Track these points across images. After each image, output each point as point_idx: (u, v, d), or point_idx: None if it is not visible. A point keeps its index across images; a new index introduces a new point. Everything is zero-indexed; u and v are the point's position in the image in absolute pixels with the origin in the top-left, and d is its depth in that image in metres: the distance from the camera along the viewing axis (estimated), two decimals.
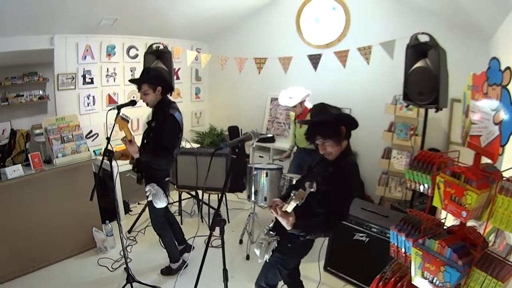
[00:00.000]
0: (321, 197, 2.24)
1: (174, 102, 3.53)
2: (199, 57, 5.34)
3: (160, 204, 3.42)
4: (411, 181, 1.92)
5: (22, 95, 5.97)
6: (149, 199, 3.39)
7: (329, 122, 2.35)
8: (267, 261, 2.49)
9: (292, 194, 2.01)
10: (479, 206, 1.59)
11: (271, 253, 2.43)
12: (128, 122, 3.21)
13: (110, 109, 3.22)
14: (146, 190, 3.38)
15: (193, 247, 3.88)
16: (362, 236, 3.36)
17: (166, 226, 3.73)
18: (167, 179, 3.56)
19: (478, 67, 1.71)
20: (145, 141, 3.48)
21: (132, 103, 3.37)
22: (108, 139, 3.21)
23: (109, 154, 3.21)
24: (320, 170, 2.45)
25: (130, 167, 4.62)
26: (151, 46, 4.39)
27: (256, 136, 2.25)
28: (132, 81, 3.48)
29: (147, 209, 4.79)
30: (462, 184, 1.58)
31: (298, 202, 1.98)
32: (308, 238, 2.31)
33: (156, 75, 3.51)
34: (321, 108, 2.51)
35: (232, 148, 2.16)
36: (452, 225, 1.94)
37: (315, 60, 4.69)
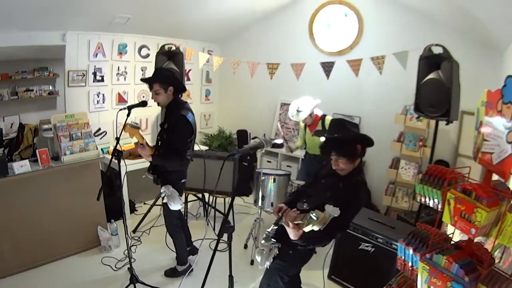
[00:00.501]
0: (332, 203, 2.27)
1: (186, 102, 3.52)
2: (211, 60, 5.36)
3: (175, 206, 3.43)
4: (421, 195, 1.94)
5: (32, 90, 6.02)
6: (164, 201, 3.40)
7: (347, 141, 2.40)
8: (268, 268, 2.52)
9: (313, 216, 2.08)
10: (488, 223, 1.61)
11: (272, 260, 2.46)
12: (138, 129, 3.23)
13: (121, 109, 3.25)
14: (161, 191, 3.39)
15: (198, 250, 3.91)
16: (367, 246, 3.38)
17: (180, 227, 3.75)
18: (182, 181, 3.56)
19: (491, 81, 1.75)
20: (159, 143, 3.48)
21: (143, 104, 3.38)
22: (118, 139, 3.20)
23: (118, 154, 3.24)
24: (330, 184, 2.48)
25: (137, 166, 4.71)
26: (163, 46, 4.42)
27: (268, 143, 2.27)
28: (144, 80, 3.48)
29: (152, 209, 4.91)
30: (473, 201, 1.60)
31: (320, 226, 2.06)
32: (308, 248, 2.38)
33: (168, 75, 3.51)
34: (340, 125, 2.55)
35: (243, 155, 2.18)
36: (460, 240, 1.96)
37: (327, 67, 4.70)
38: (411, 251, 1.98)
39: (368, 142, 2.45)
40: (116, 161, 3.30)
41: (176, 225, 3.71)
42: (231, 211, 4.72)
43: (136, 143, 3.26)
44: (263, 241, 2.57)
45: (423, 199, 1.94)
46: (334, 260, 3.69)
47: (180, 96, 3.54)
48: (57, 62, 5.77)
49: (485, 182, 1.73)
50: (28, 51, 5.04)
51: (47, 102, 6.24)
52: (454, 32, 4.37)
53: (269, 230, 2.62)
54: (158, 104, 3.41)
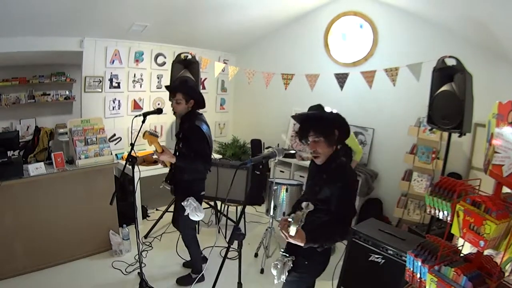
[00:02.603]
0: (324, 206, 2.30)
1: (202, 114, 3.56)
2: (226, 69, 5.42)
3: (200, 217, 3.46)
4: (430, 207, 1.96)
5: (49, 94, 6.12)
6: (186, 212, 3.40)
7: (325, 118, 2.39)
8: (285, 281, 2.51)
9: (290, 219, 2.07)
10: (497, 236, 1.62)
11: (287, 273, 2.46)
12: (157, 137, 3.26)
13: (136, 116, 3.28)
14: (186, 204, 3.40)
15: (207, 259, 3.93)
16: (377, 258, 3.36)
17: (196, 238, 3.80)
18: (202, 193, 3.61)
19: (504, 92, 1.75)
20: (177, 154, 3.52)
21: (159, 111, 3.43)
22: (132, 145, 3.28)
23: (132, 159, 3.28)
24: (316, 180, 2.47)
25: (150, 173, 4.79)
26: (179, 55, 4.49)
27: (280, 153, 2.29)
28: (168, 87, 3.54)
29: (164, 215, 4.94)
30: (482, 214, 1.61)
31: (297, 225, 2.03)
32: (326, 247, 2.32)
33: (193, 87, 3.59)
34: (318, 107, 2.54)
35: (256, 164, 2.22)
36: (469, 253, 1.96)
37: (342, 79, 4.72)
38: (419, 263, 1.98)
39: (345, 126, 2.40)
40: (130, 167, 3.32)
41: (193, 236, 3.76)
42: (242, 219, 4.83)
43: (155, 151, 3.31)
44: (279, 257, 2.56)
45: (432, 211, 1.95)
46: (343, 271, 3.67)
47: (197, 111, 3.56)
48: (74, 68, 5.87)
49: (495, 195, 1.74)
50: (46, 56, 5.15)
51: (63, 107, 6.34)
52: (468, 43, 4.37)
53: (285, 246, 2.61)
54: (174, 113, 3.46)
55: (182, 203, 3.42)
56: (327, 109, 4.27)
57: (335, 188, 2.28)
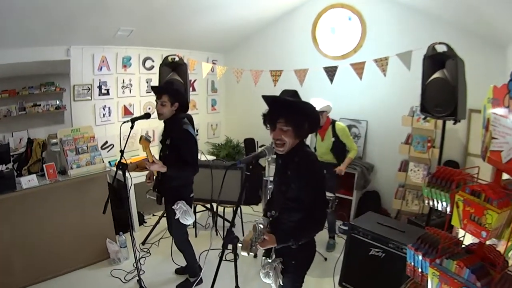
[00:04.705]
0: (294, 204, 2.21)
1: (185, 117, 3.48)
2: (215, 69, 5.34)
3: (190, 220, 3.41)
4: (429, 198, 1.87)
5: (39, 105, 6.01)
6: (177, 216, 3.35)
7: (300, 108, 2.18)
8: (281, 284, 2.40)
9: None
10: (499, 225, 1.54)
11: (281, 276, 2.35)
12: (150, 142, 3.22)
13: (124, 122, 3.24)
14: (176, 208, 3.34)
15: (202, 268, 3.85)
16: (378, 252, 3.29)
17: (188, 241, 3.72)
18: (191, 195, 3.54)
19: (496, 77, 1.68)
20: (162, 161, 3.40)
21: (146, 116, 3.38)
22: (122, 151, 3.23)
23: (122, 166, 3.23)
24: (281, 178, 2.33)
25: (143, 179, 4.63)
26: (166, 58, 4.40)
27: (271, 151, 2.19)
28: (154, 88, 3.45)
29: (161, 221, 4.86)
30: (482, 203, 1.53)
31: (247, 251, 1.99)
32: (301, 243, 2.17)
33: (179, 90, 3.50)
34: (293, 94, 2.31)
35: (246, 164, 2.12)
36: (471, 244, 1.88)
37: (331, 72, 4.63)
38: (420, 257, 1.90)
39: (315, 121, 2.27)
40: (122, 173, 3.27)
41: (186, 239, 3.68)
42: (239, 220, 4.75)
43: (145, 160, 3.23)
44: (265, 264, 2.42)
45: (431, 203, 1.86)
46: (344, 267, 3.61)
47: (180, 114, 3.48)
48: (63, 77, 5.74)
49: (495, 182, 1.65)
50: (34, 66, 5.05)
51: (55, 117, 6.21)
52: (457, 29, 4.31)
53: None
54: (159, 116, 3.36)
55: (173, 207, 3.35)
56: (321, 101, 4.20)
57: (301, 183, 2.15)
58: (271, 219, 2.33)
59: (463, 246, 1.90)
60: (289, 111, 2.14)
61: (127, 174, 3.35)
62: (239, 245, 2.00)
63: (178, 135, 3.32)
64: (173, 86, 3.50)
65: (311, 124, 2.23)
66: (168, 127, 3.43)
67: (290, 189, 2.21)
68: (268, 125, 2.24)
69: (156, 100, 3.33)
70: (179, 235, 3.63)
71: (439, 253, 1.82)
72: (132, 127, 3.23)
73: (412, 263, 1.98)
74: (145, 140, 3.16)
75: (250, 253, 2.01)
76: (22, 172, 5.37)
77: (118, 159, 3.23)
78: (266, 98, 2.24)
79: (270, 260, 2.31)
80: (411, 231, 3.29)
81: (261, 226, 2.08)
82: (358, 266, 3.50)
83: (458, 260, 1.68)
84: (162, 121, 3.41)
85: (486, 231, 1.52)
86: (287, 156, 2.22)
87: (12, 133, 5.92)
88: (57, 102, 6.21)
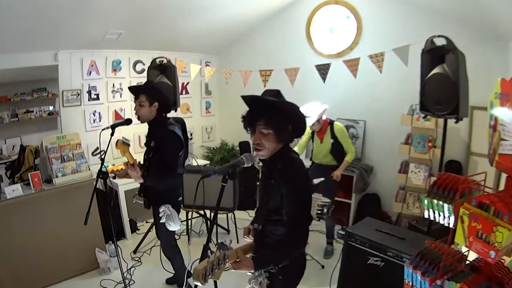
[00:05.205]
0: (278, 216, 1.95)
1: (169, 118, 3.28)
2: (203, 71, 5.14)
3: (175, 226, 3.19)
4: (429, 210, 1.60)
5: (32, 111, 5.92)
6: (162, 220, 3.15)
7: (283, 109, 1.92)
8: None
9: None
10: (510, 243, 1.26)
11: None
12: (129, 146, 3.02)
13: (104, 129, 3.07)
14: (160, 211, 3.15)
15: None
16: (376, 261, 3.01)
17: (177, 248, 3.50)
18: (179, 199, 3.37)
19: (499, 71, 1.45)
20: (146, 164, 3.25)
21: (127, 121, 3.18)
22: (102, 160, 3.08)
23: (103, 175, 3.09)
24: (264, 186, 2.09)
25: (135, 185, 4.46)
26: (154, 60, 4.23)
27: (249, 160, 1.93)
28: (131, 88, 3.27)
29: (154, 228, 4.61)
30: (491, 218, 1.26)
31: (200, 282, 1.67)
32: (281, 265, 1.92)
33: (157, 89, 3.29)
34: (276, 94, 2.04)
35: (223, 175, 1.86)
36: (476, 259, 1.61)
37: (323, 70, 4.36)
38: (419, 275, 1.62)
39: (300, 124, 1.99)
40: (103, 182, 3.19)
41: (174, 246, 3.46)
42: (234, 226, 4.50)
43: (126, 163, 3.00)
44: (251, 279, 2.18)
45: (431, 215, 1.58)
46: (341, 276, 3.33)
47: (164, 115, 3.27)
48: (55, 82, 5.57)
49: (506, 192, 1.37)
50: (23, 72, 4.88)
51: (47, 123, 6.09)
52: (456, 22, 4.08)
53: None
54: (138, 118, 3.15)
55: (159, 210, 3.16)
56: (318, 105, 3.94)
57: (282, 192, 1.89)
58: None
59: (467, 262, 1.64)
60: (269, 112, 1.89)
61: (118, 180, 3.51)
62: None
63: (162, 136, 3.10)
64: (150, 85, 3.34)
65: (296, 127, 1.98)
66: (152, 128, 3.23)
67: (272, 199, 1.96)
68: (247, 129, 2.00)
69: (134, 102, 3.14)
70: (166, 240, 3.41)
71: (440, 272, 1.56)
72: (112, 134, 3.03)
73: (410, 282, 1.70)
74: (122, 144, 2.96)
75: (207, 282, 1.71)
76: (15, 179, 5.22)
77: (99, 168, 3.07)
78: (245, 98, 1.99)
79: (256, 274, 2.04)
80: (412, 238, 3.01)
81: (227, 246, 1.78)
82: (356, 276, 3.22)
83: (462, 282, 1.42)
84: (146, 124, 3.21)
85: (495, 250, 1.25)
86: (270, 162, 1.98)
87: (5, 140, 5.89)
88: (50, 108, 6.10)
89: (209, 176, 1.83)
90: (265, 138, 1.89)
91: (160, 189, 3.18)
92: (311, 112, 3.91)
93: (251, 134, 1.97)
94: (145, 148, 3.31)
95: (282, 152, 1.97)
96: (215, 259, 1.69)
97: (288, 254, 1.90)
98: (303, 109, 3.87)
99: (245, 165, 1.92)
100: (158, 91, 3.26)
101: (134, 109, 3.15)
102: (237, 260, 1.84)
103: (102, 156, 3.09)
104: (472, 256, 1.64)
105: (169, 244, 3.42)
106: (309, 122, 3.89)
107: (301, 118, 2.00)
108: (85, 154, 4.23)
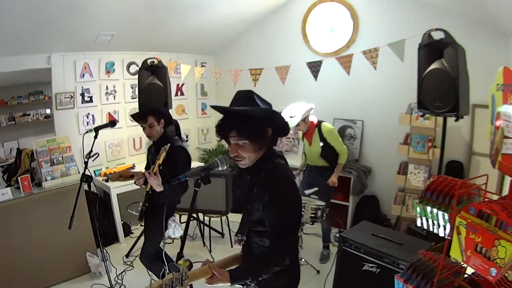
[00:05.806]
0: (262, 227, 1.77)
1: (174, 134, 3.32)
2: (206, 72, 5.00)
3: (178, 234, 3.21)
4: (421, 218, 1.38)
5: (29, 114, 5.91)
6: (170, 232, 3.17)
7: (254, 117, 1.71)
8: None
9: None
10: None
11: None
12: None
13: (87, 132, 2.99)
14: (172, 224, 3.17)
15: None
16: (372, 267, 2.79)
17: (162, 259, 3.30)
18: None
19: (499, 66, 1.27)
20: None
21: (112, 124, 3.14)
22: (86, 163, 3.04)
23: (86, 179, 3.06)
24: (249, 198, 1.88)
25: (127, 188, 4.46)
26: (145, 61, 4.07)
27: (223, 163, 1.77)
28: (135, 116, 3.18)
29: None
30: (493, 229, 1.04)
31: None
32: (262, 279, 1.73)
33: (158, 107, 3.30)
34: (248, 97, 1.81)
35: (196, 179, 1.68)
36: (475, 273, 1.40)
37: (315, 68, 4.16)
38: None
39: (280, 124, 1.80)
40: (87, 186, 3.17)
41: (156, 255, 3.27)
42: (228, 229, 4.33)
43: (149, 171, 2.90)
44: None
45: (425, 224, 1.37)
46: (336, 283, 3.12)
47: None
48: (50, 85, 5.49)
49: (510, 199, 1.15)
50: (18, 76, 4.81)
51: (44, 126, 6.05)
52: (455, 15, 3.90)
53: None
54: (150, 138, 3.15)
55: (170, 222, 3.17)
56: (303, 105, 3.73)
57: (264, 201, 1.69)
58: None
59: (466, 275, 1.42)
60: (240, 122, 1.69)
61: (111, 184, 3.83)
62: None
63: (172, 152, 2.95)
64: (151, 105, 3.34)
65: (276, 129, 1.78)
66: (160, 144, 3.08)
67: (255, 209, 1.76)
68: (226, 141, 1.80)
69: (142, 125, 3.11)
70: (151, 251, 3.24)
71: (434, 287, 1.34)
72: (95, 137, 3.01)
73: None
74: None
75: None
76: (12, 183, 5.21)
77: (83, 172, 3.04)
78: (216, 109, 1.85)
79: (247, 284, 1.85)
80: (409, 243, 2.80)
81: (179, 269, 1.58)
82: (350, 282, 3.01)
83: None
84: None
85: (497, 268, 1.05)
86: (253, 169, 1.78)
87: (3, 144, 5.94)
88: (47, 111, 6.04)
89: (179, 181, 1.64)
90: (241, 149, 1.70)
91: (164, 202, 3.10)
92: (296, 112, 3.71)
93: (228, 146, 1.78)
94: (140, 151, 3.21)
95: (265, 158, 1.77)
96: (169, 281, 1.50)
97: (268, 268, 1.70)
98: (286, 109, 3.69)
99: (220, 168, 1.72)
100: (160, 108, 3.29)
101: (144, 132, 3.13)
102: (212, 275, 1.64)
103: (86, 159, 3.02)
104: (471, 268, 1.43)
105: (152, 254, 3.26)
106: (294, 122, 3.69)
107: (280, 120, 1.80)
108: (77, 157, 4.09)
